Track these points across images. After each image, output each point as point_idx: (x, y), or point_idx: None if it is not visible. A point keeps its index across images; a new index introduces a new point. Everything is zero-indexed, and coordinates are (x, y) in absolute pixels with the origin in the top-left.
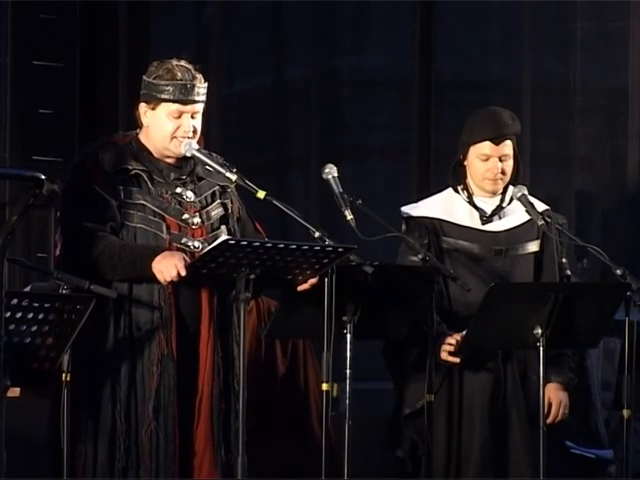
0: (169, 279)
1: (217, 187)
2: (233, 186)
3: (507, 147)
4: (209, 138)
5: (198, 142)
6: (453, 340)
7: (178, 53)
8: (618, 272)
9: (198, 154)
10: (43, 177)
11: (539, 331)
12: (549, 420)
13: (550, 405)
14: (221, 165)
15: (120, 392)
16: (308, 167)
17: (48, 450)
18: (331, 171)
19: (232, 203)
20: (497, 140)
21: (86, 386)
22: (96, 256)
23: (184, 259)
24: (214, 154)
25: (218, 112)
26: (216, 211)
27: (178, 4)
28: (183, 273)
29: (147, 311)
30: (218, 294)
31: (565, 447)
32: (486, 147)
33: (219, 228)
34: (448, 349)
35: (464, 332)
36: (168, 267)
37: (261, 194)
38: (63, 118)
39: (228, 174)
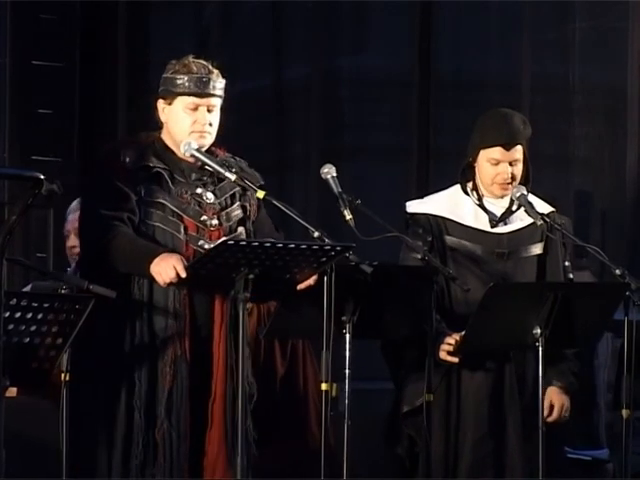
0: (168, 281)
1: (238, 188)
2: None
3: (518, 152)
4: None
5: (214, 144)
6: (452, 340)
7: (178, 53)
8: (617, 272)
9: (197, 154)
10: (42, 177)
11: (538, 331)
12: (550, 420)
13: (552, 407)
14: (220, 165)
15: (141, 390)
16: (308, 167)
17: (68, 452)
18: (330, 171)
19: (250, 205)
20: (508, 146)
21: (104, 388)
22: (105, 243)
23: (182, 261)
24: (237, 158)
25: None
26: (236, 213)
27: (178, 4)
28: (183, 275)
29: (163, 314)
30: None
31: (563, 454)
32: (497, 152)
33: (237, 230)
34: (447, 349)
35: (463, 332)
36: (166, 269)
37: (260, 194)
38: (63, 118)
39: (227, 174)
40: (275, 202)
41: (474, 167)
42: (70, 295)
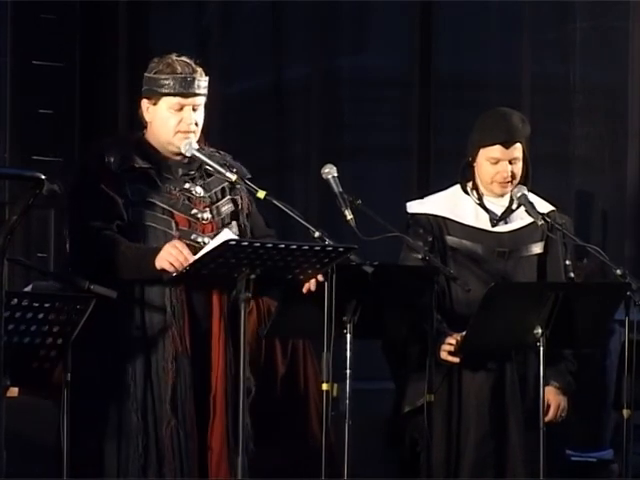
0: (172, 261)
1: (227, 183)
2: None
3: (517, 150)
4: (209, 138)
5: (198, 141)
6: (453, 340)
7: (178, 53)
8: (618, 272)
9: (198, 154)
10: (43, 177)
11: (539, 331)
12: (545, 420)
13: (548, 407)
14: (221, 165)
15: (136, 391)
16: (308, 167)
17: (58, 452)
18: (331, 171)
19: (242, 199)
20: (507, 144)
21: (100, 387)
22: (102, 255)
23: (182, 243)
24: (222, 152)
25: (218, 112)
26: (226, 207)
27: (178, 4)
28: (185, 251)
29: (160, 310)
30: (228, 291)
31: (564, 454)
32: (496, 151)
33: (230, 224)
34: (448, 349)
35: (464, 332)
36: (169, 252)
37: (261, 194)
38: (63, 118)
39: (228, 174)
40: (275, 202)
41: (474, 166)
42: (71, 295)
